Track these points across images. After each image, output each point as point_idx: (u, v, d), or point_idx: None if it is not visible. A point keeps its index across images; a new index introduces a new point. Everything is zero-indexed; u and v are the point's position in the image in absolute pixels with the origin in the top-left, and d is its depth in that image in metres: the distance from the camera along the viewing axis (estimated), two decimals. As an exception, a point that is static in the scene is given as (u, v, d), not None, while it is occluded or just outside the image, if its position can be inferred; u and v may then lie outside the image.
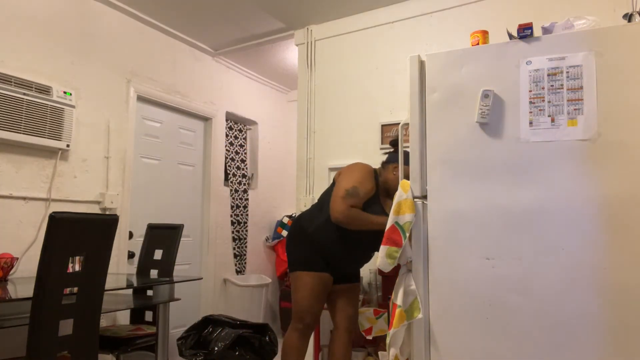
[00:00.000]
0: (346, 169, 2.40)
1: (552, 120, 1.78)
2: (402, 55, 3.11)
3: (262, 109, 4.94)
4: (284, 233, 4.84)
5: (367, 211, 2.28)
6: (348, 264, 2.46)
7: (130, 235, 3.45)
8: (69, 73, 3.02)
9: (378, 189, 2.37)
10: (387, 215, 2.13)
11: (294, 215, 4.64)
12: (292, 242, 2.45)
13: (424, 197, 1.98)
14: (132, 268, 3.38)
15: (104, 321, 3.00)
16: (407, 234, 1.94)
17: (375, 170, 2.41)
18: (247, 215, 4.73)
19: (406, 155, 2.34)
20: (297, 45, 3.71)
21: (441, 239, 1.92)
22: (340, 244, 2.34)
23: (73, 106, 2.95)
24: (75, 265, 1.88)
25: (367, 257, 2.51)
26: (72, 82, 3.03)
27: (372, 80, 3.31)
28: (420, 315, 1.89)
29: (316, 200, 2.58)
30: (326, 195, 2.45)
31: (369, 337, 2.70)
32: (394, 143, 2.47)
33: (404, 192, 1.98)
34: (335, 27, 3.51)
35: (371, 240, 2.31)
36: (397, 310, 1.92)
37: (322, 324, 3.10)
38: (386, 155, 2.53)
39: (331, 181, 2.63)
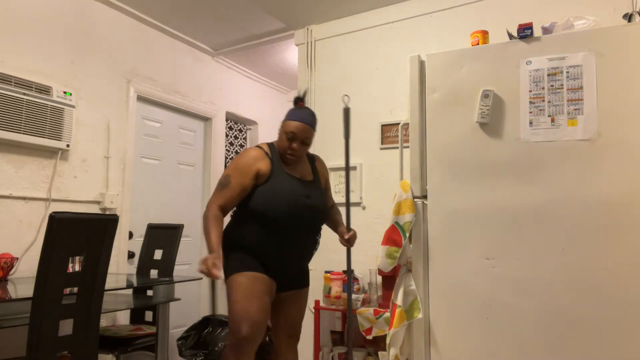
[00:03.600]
0: None
1: (552, 120, 1.78)
2: (402, 55, 3.11)
3: (262, 109, 4.94)
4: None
5: (272, 187, 2.03)
6: (285, 260, 2.11)
7: (130, 235, 3.45)
8: (69, 73, 3.02)
9: (279, 162, 2.11)
10: (300, 182, 2.08)
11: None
12: (225, 252, 2.09)
13: (424, 197, 1.98)
14: (132, 268, 3.37)
15: (104, 321, 3.00)
16: (407, 234, 1.94)
17: (270, 145, 2.16)
18: (247, 215, 4.72)
19: (300, 111, 2.10)
20: (297, 45, 3.71)
21: (441, 239, 1.92)
22: (262, 238, 2.03)
23: (73, 106, 2.95)
24: (75, 265, 1.88)
25: (306, 249, 2.16)
26: (72, 82, 3.02)
27: (372, 80, 3.31)
28: (420, 315, 1.89)
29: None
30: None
31: (369, 337, 2.70)
32: (296, 101, 2.16)
33: (404, 192, 1.98)
34: (336, 27, 3.51)
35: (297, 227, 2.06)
36: (397, 310, 1.92)
37: (322, 322, 3.10)
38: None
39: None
